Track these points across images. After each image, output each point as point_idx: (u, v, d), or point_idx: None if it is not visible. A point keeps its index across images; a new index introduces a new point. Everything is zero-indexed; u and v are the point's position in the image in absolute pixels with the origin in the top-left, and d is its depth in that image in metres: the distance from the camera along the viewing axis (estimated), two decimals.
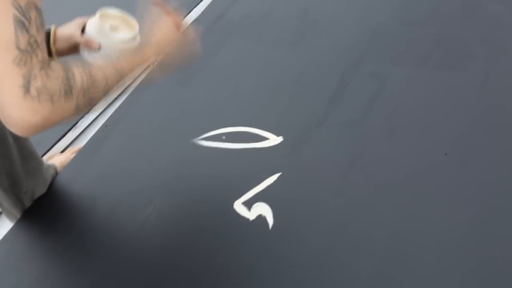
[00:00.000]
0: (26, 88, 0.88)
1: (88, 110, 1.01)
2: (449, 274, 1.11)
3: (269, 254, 1.23)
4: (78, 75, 0.95)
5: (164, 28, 1.18)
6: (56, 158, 1.60)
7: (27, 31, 0.89)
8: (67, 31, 1.25)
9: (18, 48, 0.88)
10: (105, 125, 1.64)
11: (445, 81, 1.48)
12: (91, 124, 1.71)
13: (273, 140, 1.44)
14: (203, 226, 1.33)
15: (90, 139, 1.62)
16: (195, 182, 1.41)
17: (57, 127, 1.63)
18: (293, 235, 1.25)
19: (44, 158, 1.62)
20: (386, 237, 1.21)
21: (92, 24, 1.22)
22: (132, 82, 1.61)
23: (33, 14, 0.91)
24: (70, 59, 1.11)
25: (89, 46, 1.17)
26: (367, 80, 1.54)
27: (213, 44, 1.82)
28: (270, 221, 1.28)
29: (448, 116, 1.40)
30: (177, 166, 1.46)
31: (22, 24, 0.89)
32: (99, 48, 1.17)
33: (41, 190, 1.49)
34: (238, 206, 1.32)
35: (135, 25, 1.22)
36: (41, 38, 0.91)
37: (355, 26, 1.73)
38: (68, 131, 1.70)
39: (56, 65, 0.93)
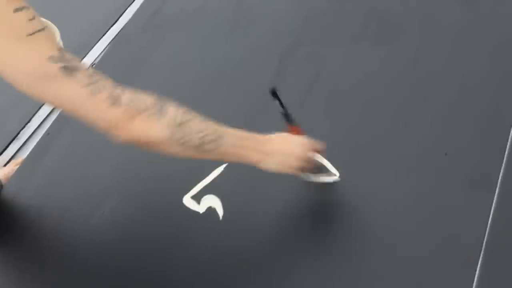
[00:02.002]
0: (115, 101, 0.91)
1: (180, 152, 1.00)
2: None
3: (221, 245, 1.23)
4: (173, 105, 0.98)
5: (293, 142, 1.14)
6: (0, 171, 1.57)
7: (78, 69, 0.91)
8: None
9: (83, 86, 0.89)
10: (47, 134, 1.62)
11: (379, 56, 1.51)
12: (33, 134, 1.68)
13: None
14: (154, 224, 1.33)
15: (33, 148, 1.60)
16: (142, 181, 1.41)
17: None
18: (243, 223, 1.26)
19: None
20: (338, 220, 1.23)
21: None
22: None
23: (67, 53, 0.91)
24: None
25: None
26: (304, 62, 1.55)
27: (150, 41, 1.81)
28: (220, 212, 1.28)
29: (384, 90, 1.42)
30: (123, 167, 1.45)
31: (69, 68, 0.90)
32: None
33: None
34: (188, 200, 1.32)
35: (57, 35, 1.20)
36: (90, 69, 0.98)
37: (289, 11, 1.74)
38: (10, 143, 1.67)
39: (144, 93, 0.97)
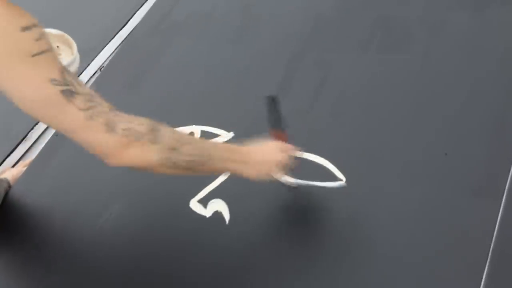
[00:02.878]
0: (111, 128, 0.94)
1: (171, 173, 1.07)
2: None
3: (227, 249, 1.24)
4: (165, 131, 1.02)
5: (270, 148, 1.19)
6: (8, 172, 1.58)
7: (78, 93, 0.92)
8: None
9: (81, 110, 0.91)
10: (55, 135, 1.63)
11: (386, 64, 1.51)
12: (41, 135, 1.69)
13: (224, 136, 1.45)
14: (161, 227, 1.33)
15: (41, 150, 1.61)
16: (149, 185, 1.41)
17: (6, 141, 1.63)
18: (249, 228, 1.27)
19: None
20: (343, 226, 1.23)
21: None
22: None
23: (68, 75, 0.92)
24: None
25: None
26: (311, 68, 1.56)
27: (158, 45, 1.81)
28: (227, 216, 1.29)
29: (391, 97, 1.43)
30: (130, 171, 1.45)
31: (69, 92, 0.91)
32: None
33: None
34: (194, 204, 1.33)
35: (74, 46, 1.20)
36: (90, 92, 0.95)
37: (297, 17, 1.74)
38: (18, 144, 1.68)
39: (142, 118, 1.00)
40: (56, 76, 0.89)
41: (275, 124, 1.25)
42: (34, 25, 0.88)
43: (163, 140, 1.01)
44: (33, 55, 0.87)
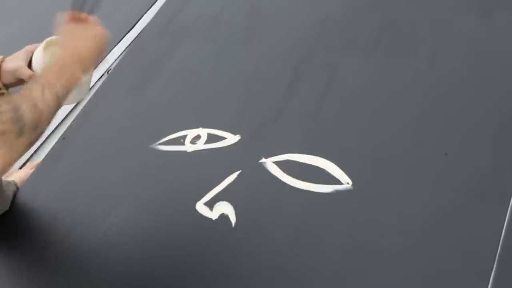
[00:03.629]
0: None
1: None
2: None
3: (233, 252, 1.24)
4: (28, 113, 0.95)
5: (81, 36, 1.14)
6: (15, 174, 1.59)
7: None
8: (13, 64, 1.22)
9: None
10: (62, 138, 1.63)
11: (394, 66, 1.50)
12: (48, 138, 1.70)
13: (231, 139, 1.45)
14: (167, 230, 1.33)
15: (48, 152, 1.62)
16: (156, 187, 1.41)
17: None
18: (256, 231, 1.26)
19: (2, 176, 1.61)
20: (349, 229, 1.23)
21: (37, 57, 1.21)
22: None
23: None
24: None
25: None
26: (319, 71, 1.56)
27: (166, 48, 1.82)
28: (233, 219, 1.29)
29: (398, 100, 1.42)
30: (138, 173, 1.46)
31: None
32: None
33: (3, 208, 1.48)
34: (200, 207, 1.33)
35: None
36: None
37: (304, 19, 1.74)
38: None
39: (3, 106, 0.93)
40: None
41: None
42: None
43: (28, 124, 0.95)
44: None
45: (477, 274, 1.08)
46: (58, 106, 1.05)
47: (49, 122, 1.02)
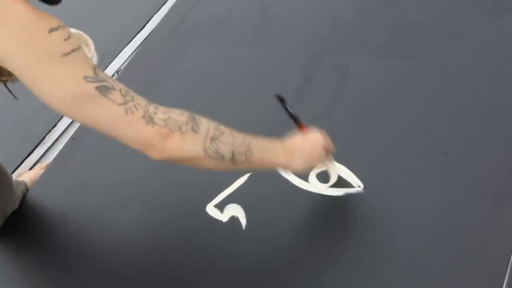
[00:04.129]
0: (150, 119, 0.93)
1: (213, 167, 1.03)
2: None
3: (244, 254, 1.24)
4: (204, 121, 1.00)
5: (310, 137, 1.17)
6: (25, 175, 1.59)
7: (113, 88, 0.91)
8: None
9: (118, 104, 0.90)
10: (72, 139, 1.63)
11: (406, 68, 1.50)
12: (58, 138, 1.70)
13: None
14: (177, 231, 1.33)
15: (59, 153, 1.62)
16: (166, 188, 1.41)
17: (24, 143, 1.63)
18: (266, 233, 1.26)
19: (13, 176, 1.61)
20: (361, 232, 1.22)
21: None
22: None
23: (100, 72, 0.91)
24: None
25: None
26: (330, 73, 1.55)
27: (177, 48, 1.82)
28: (243, 221, 1.28)
29: (410, 102, 1.41)
30: (148, 174, 1.46)
31: (105, 88, 0.90)
32: None
33: (13, 206, 1.48)
34: (211, 209, 1.32)
35: (91, 44, 1.20)
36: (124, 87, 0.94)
37: (315, 20, 1.74)
38: (35, 147, 1.69)
39: (179, 109, 0.99)
40: (89, 74, 0.89)
41: (296, 118, 1.24)
42: (61, 26, 0.88)
43: (204, 128, 0.98)
44: (64, 55, 0.87)
45: (491, 277, 1.08)
46: (243, 156, 1.04)
47: (230, 158, 1.02)
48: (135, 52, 1.93)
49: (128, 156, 1.51)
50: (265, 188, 1.33)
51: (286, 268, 1.20)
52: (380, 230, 1.21)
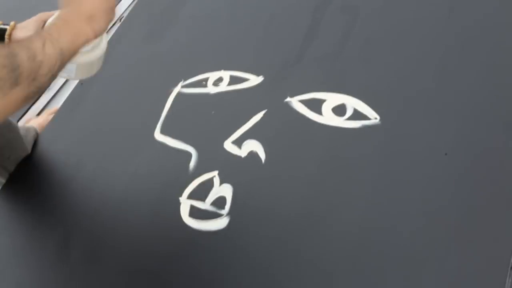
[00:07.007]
0: None
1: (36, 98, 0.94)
2: None
3: (264, 189, 1.25)
4: (25, 62, 0.86)
5: None
6: (34, 120, 1.58)
7: None
8: (23, 34, 1.15)
9: None
10: (80, 84, 1.62)
11: (416, 5, 1.49)
12: (65, 84, 1.68)
13: (254, 80, 1.44)
14: (197, 167, 1.33)
15: (67, 98, 1.60)
16: (181, 127, 1.41)
17: None
18: (286, 167, 1.27)
19: (21, 122, 1.60)
20: (379, 163, 1.23)
21: None
22: None
23: None
24: None
25: None
26: (339, 13, 1.54)
27: None
28: (262, 156, 1.29)
29: (419, 45, 1.40)
30: (160, 115, 1.46)
31: None
32: None
33: (24, 152, 1.47)
34: (228, 145, 1.33)
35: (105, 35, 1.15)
36: None
37: None
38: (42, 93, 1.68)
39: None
40: None
41: None
42: None
43: (24, 73, 0.86)
44: None
45: (493, 275, 1.03)
46: (63, 62, 0.95)
47: (50, 77, 0.92)
48: None
49: (139, 98, 1.52)
50: (282, 124, 1.33)
51: (306, 197, 1.21)
52: (398, 160, 1.21)
